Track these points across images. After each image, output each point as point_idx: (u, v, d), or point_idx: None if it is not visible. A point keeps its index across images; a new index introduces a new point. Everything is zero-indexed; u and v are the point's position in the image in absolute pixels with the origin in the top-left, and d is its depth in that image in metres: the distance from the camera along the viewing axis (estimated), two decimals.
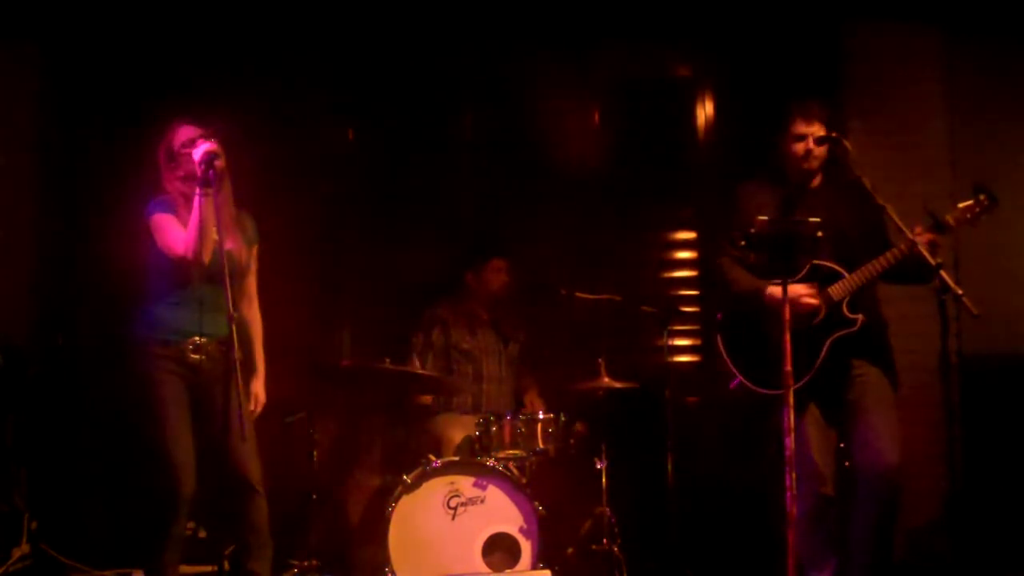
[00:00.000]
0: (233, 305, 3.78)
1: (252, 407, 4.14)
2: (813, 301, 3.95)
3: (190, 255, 3.88)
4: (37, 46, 5.57)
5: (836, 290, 3.97)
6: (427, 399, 5.08)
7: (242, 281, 4.14)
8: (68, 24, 5.50)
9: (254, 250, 4.24)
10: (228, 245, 3.97)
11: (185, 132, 4.02)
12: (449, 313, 5.32)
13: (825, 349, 3.95)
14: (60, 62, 5.59)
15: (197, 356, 3.94)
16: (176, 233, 3.94)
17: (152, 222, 4.00)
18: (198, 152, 3.82)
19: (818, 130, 4.08)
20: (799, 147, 4.09)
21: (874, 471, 3.90)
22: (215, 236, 3.87)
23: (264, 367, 4.25)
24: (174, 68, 5.45)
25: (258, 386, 4.20)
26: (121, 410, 5.09)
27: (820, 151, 4.09)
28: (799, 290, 3.93)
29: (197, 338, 3.93)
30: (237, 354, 3.71)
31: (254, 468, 3.98)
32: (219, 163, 3.84)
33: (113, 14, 5.47)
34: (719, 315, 4.25)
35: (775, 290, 3.79)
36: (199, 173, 3.80)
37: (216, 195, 3.80)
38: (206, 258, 3.88)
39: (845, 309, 3.97)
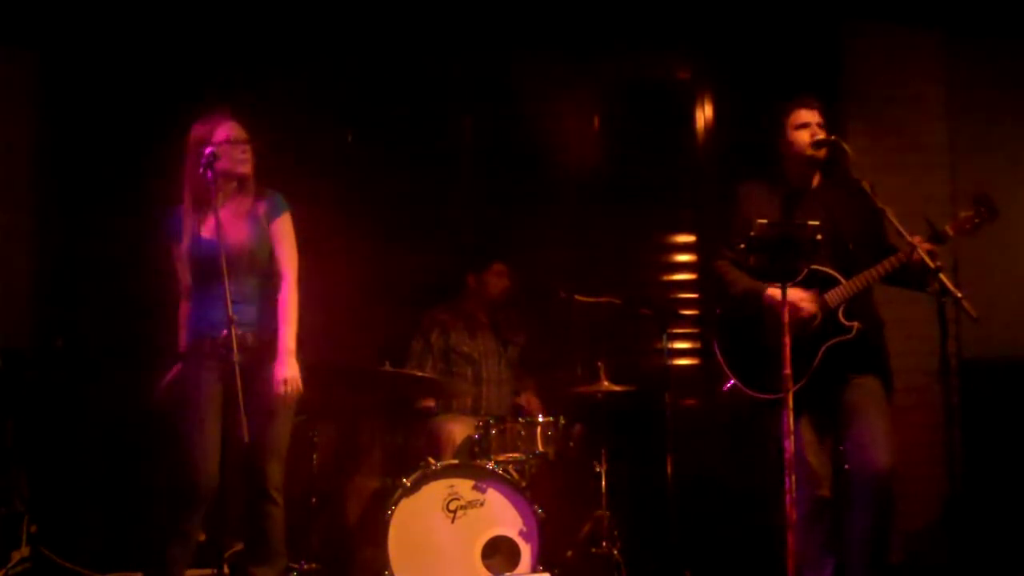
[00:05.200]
0: (251, 295, 3.92)
1: (281, 391, 3.88)
2: (811, 308, 3.94)
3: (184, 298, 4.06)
4: (37, 49, 5.59)
5: (832, 297, 3.96)
6: (431, 403, 5.08)
7: (260, 269, 4.06)
8: (68, 27, 5.51)
9: (281, 219, 4.09)
10: (231, 232, 3.95)
11: (224, 131, 3.98)
12: (448, 316, 5.32)
13: (820, 355, 3.95)
14: (60, 64, 5.60)
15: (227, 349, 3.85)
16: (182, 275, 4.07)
17: (169, 247, 4.09)
18: (205, 152, 3.85)
19: (819, 118, 4.05)
20: (803, 135, 4.04)
21: (866, 474, 3.88)
22: (220, 228, 3.86)
23: (289, 349, 3.95)
24: (173, 70, 5.45)
25: (280, 369, 3.90)
26: (122, 413, 5.14)
27: (822, 137, 4.04)
28: (798, 295, 3.92)
29: (225, 331, 3.80)
30: (236, 357, 3.65)
31: (274, 472, 3.92)
32: (220, 165, 3.88)
33: (112, 17, 5.47)
34: (716, 317, 4.25)
35: (774, 292, 3.79)
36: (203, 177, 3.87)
37: (215, 194, 3.84)
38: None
39: (841, 316, 3.97)
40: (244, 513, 3.96)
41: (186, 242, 4.00)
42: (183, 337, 4.04)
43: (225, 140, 3.95)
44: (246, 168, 4.01)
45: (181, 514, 3.87)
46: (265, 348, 3.95)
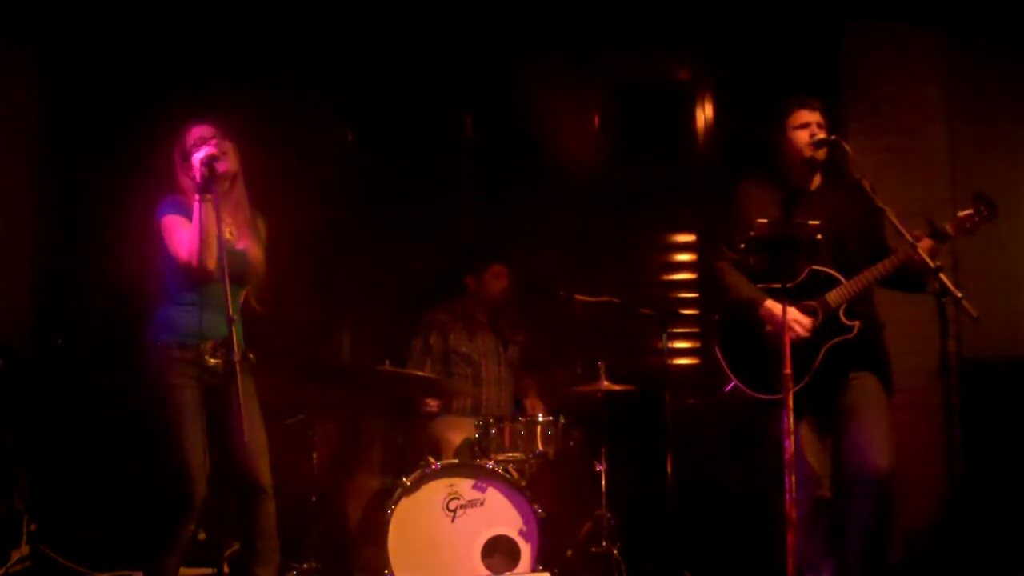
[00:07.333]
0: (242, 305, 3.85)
1: None
2: (803, 332, 3.92)
3: (194, 262, 3.82)
4: (37, 47, 5.59)
5: (833, 297, 3.96)
6: (433, 404, 5.08)
7: (258, 280, 4.08)
8: (68, 25, 5.52)
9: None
10: (241, 245, 3.96)
11: (197, 131, 3.97)
12: (448, 316, 5.31)
13: (821, 355, 3.95)
14: (60, 63, 5.60)
15: (216, 359, 3.87)
16: (183, 237, 3.87)
17: (162, 224, 3.94)
18: (197, 156, 3.79)
19: (819, 118, 4.05)
20: (803, 135, 4.04)
21: (866, 475, 3.89)
22: (228, 236, 3.86)
23: None
24: (174, 69, 5.45)
25: None
26: (122, 411, 5.14)
27: (822, 137, 4.04)
28: (794, 315, 3.90)
29: (214, 341, 3.84)
30: (236, 355, 3.65)
31: (263, 470, 3.94)
32: (221, 166, 3.81)
33: (113, 15, 5.48)
34: (716, 317, 4.25)
35: (772, 305, 3.82)
36: (197, 178, 3.77)
37: (217, 199, 3.77)
38: (210, 264, 3.81)
39: (842, 316, 3.97)
40: (240, 515, 3.95)
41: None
42: (168, 340, 3.91)
43: (197, 139, 3.93)
44: (211, 156, 3.84)
45: (181, 520, 3.87)
46: (243, 358, 3.94)
